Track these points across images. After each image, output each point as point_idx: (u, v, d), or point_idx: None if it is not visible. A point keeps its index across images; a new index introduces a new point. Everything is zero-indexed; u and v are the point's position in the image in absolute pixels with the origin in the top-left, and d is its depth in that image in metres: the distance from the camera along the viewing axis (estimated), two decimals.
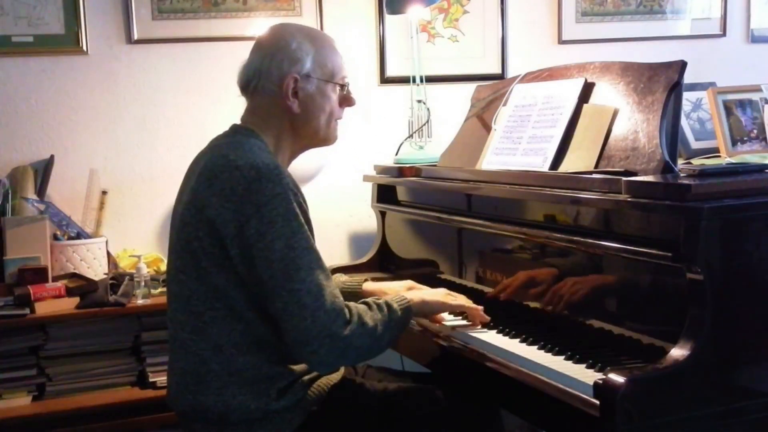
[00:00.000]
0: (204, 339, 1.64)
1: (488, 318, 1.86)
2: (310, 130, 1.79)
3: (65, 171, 2.69)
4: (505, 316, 1.86)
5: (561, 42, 3.14)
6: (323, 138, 1.82)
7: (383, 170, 2.61)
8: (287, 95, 1.73)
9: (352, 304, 1.63)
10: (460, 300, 1.87)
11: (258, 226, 1.55)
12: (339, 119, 1.84)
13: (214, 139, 1.79)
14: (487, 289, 2.02)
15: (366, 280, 2.02)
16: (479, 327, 1.84)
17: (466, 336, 1.81)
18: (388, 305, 1.69)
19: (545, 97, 2.03)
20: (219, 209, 1.58)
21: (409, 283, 1.98)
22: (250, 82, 1.76)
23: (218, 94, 2.79)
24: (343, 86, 1.81)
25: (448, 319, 1.92)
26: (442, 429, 1.79)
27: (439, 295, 1.86)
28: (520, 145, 2.02)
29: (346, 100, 1.84)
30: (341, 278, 2.04)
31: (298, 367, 1.69)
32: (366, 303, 1.68)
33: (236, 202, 1.57)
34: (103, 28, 2.72)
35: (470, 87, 2.53)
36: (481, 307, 1.86)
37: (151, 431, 2.40)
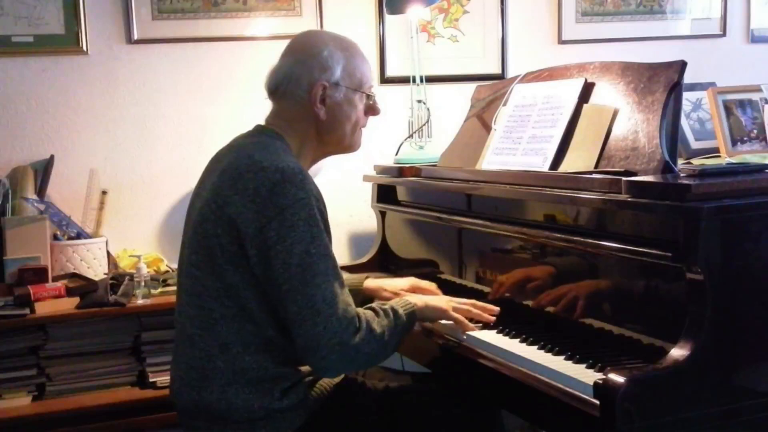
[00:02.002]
0: (212, 336, 1.64)
1: (497, 310, 1.83)
2: (335, 137, 1.81)
3: (65, 171, 2.69)
4: (505, 316, 1.85)
5: (561, 42, 3.14)
6: (347, 146, 1.85)
7: (383, 170, 2.61)
8: (315, 102, 1.74)
9: (360, 310, 1.64)
10: (462, 311, 1.82)
11: (279, 229, 1.56)
12: (364, 127, 1.86)
13: (238, 138, 1.80)
14: (486, 290, 2.02)
15: (367, 277, 2.03)
16: (479, 326, 1.83)
17: (466, 336, 1.80)
18: (394, 311, 1.69)
19: (545, 97, 2.03)
20: (241, 208, 1.59)
21: (412, 279, 1.98)
22: (279, 87, 1.77)
23: (218, 94, 2.79)
24: (369, 95, 1.84)
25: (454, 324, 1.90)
26: (442, 429, 1.79)
27: (443, 301, 1.84)
28: (520, 145, 2.02)
29: (371, 110, 1.86)
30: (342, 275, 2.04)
31: (302, 369, 1.70)
32: (373, 309, 1.68)
33: (259, 203, 1.57)
34: (103, 28, 2.71)
35: (470, 87, 2.53)
36: (492, 312, 1.84)
37: (151, 431, 2.40)
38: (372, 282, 2.01)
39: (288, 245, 1.55)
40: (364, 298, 1.98)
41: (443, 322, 1.88)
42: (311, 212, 1.59)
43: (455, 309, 1.82)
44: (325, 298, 1.55)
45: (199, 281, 1.66)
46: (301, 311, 1.54)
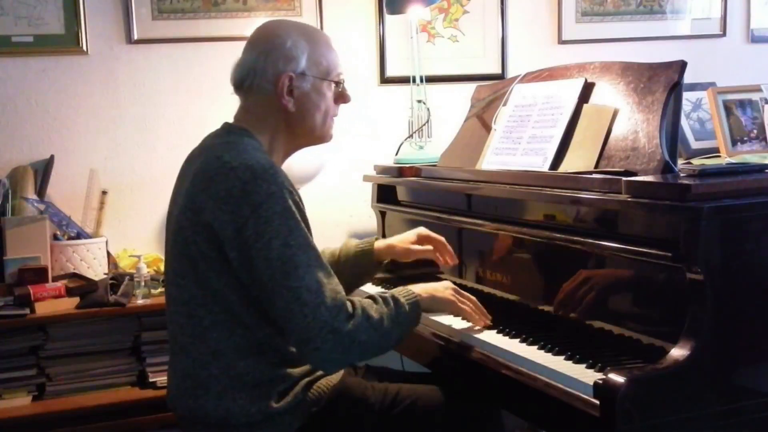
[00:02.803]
0: (204, 343, 1.63)
1: (489, 319, 1.84)
2: (306, 128, 1.77)
3: (65, 171, 2.69)
4: (505, 316, 1.85)
5: (561, 42, 3.15)
6: (319, 136, 1.81)
7: (383, 170, 2.61)
8: (282, 94, 1.71)
9: (356, 298, 1.62)
10: (469, 304, 1.84)
11: (255, 227, 1.54)
12: (335, 116, 1.83)
13: (207, 138, 1.78)
14: (486, 290, 2.02)
15: (377, 238, 2.04)
16: (478, 327, 1.84)
17: (466, 336, 1.80)
18: (395, 299, 1.67)
19: (545, 97, 2.03)
20: (216, 212, 1.57)
21: (420, 228, 2.00)
22: (244, 81, 1.74)
23: (218, 94, 2.78)
24: (338, 83, 1.80)
25: (454, 324, 1.90)
26: (442, 429, 1.79)
27: (448, 292, 1.83)
28: (520, 145, 2.02)
29: (341, 97, 1.82)
30: (352, 242, 2.04)
31: (298, 370, 1.69)
32: (371, 297, 1.67)
33: (233, 204, 1.56)
34: (103, 28, 2.72)
35: (470, 87, 2.53)
36: (486, 318, 1.84)
37: (151, 431, 2.40)
38: (381, 242, 2.02)
39: (266, 241, 1.53)
40: (377, 258, 2.00)
41: (445, 322, 1.88)
42: (285, 205, 1.56)
43: (461, 302, 1.82)
44: (310, 289, 1.53)
45: (185, 290, 1.64)
46: (288, 305, 1.53)
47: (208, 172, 1.61)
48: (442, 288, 1.84)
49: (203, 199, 1.59)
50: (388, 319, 1.62)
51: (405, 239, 2.00)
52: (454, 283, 2.14)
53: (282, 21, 1.86)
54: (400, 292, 1.72)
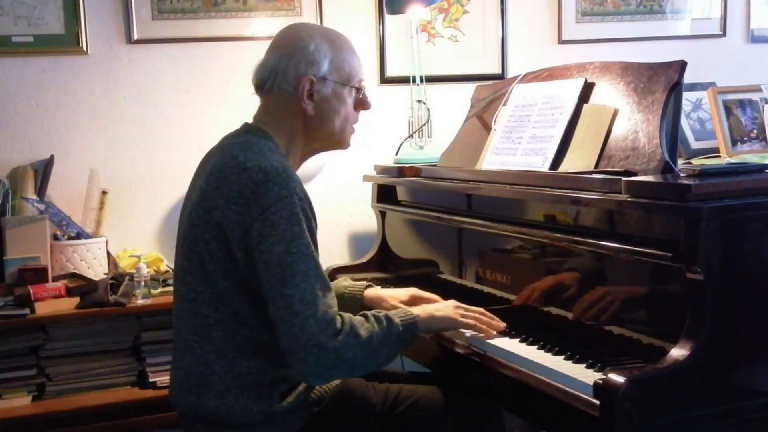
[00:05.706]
0: (208, 341, 1.63)
1: (503, 326, 1.80)
2: (324, 133, 1.77)
3: (65, 171, 2.69)
4: (505, 316, 1.85)
5: (561, 42, 3.15)
6: (337, 141, 1.81)
7: (383, 170, 2.61)
8: (302, 97, 1.71)
9: (347, 315, 1.60)
10: (472, 314, 1.80)
11: (261, 229, 1.54)
12: (355, 123, 1.82)
13: (226, 138, 1.78)
14: (486, 290, 2.02)
15: (369, 285, 2.00)
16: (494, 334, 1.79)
17: (466, 336, 1.80)
18: (389, 319, 1.65)
19: (545, 97, 2.03)
20: (226, 212, 1.58)
21: (412, 290, 1.95)
22: (266, 82, 1.74)
23: (218, 94, 2.79)
24: (359, 89, 1.80)
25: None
26: (442, 429, 1.79)
27: (450, 309, 1.80)
28: (520, 145, 2.02)
29: (361, 104, 1.82)
30: (343, 283, 2.02)
31: None
32: (364, 315, 1.65)
33: (243, 204, 1.56)
34: (103, 28, 2.71)
35: (470, 87, 2.53)
36: (499, 325, 1.80)
37: (151, 431, 2.40)
38: (372, 291, 1.98)
39: (269, 245, 1.53)
40: (363, 307, 1.95)
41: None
42: (293, 210, 1.56)
43: (464, 316, 1.79)
44: (303, 299, 1.52)
45: (192, 287, 1.65)
46: (279, 312, 1.52)
47: (223, 172, 1.61)
48: (443, 306, 1.82)
49: (215, 197, 1.60)
50: (377, 338, 1.60)
51: (396, 296, 1.94)
52: (454, 283, 2.15)
53: (307, 24, 1.87)
54: (397, 312, 1.70)
